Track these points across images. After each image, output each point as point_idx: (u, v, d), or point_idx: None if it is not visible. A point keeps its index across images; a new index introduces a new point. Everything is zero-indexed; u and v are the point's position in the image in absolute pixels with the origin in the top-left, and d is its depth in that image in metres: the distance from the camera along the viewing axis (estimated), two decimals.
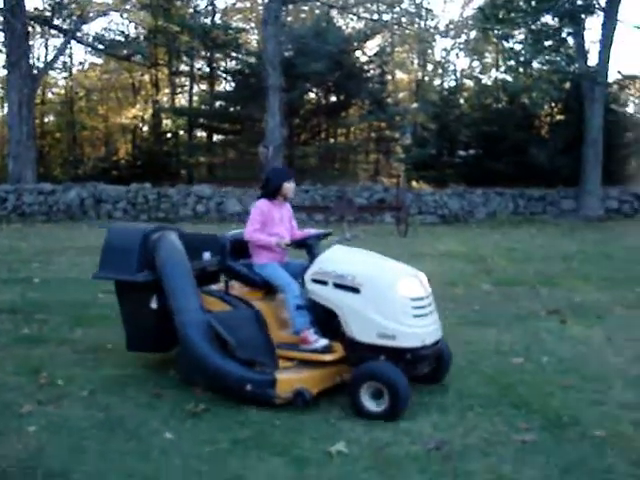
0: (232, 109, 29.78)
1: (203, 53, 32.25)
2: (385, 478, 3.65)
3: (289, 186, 5.37)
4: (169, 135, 34.04)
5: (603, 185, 20.90)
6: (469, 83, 30.18)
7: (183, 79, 36.03)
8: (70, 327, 6.90)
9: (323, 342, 4.80)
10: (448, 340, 5.19)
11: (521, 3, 21.50)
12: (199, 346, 4.70)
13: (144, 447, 4.01)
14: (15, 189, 21.15)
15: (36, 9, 28.87)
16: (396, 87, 36.98)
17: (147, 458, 3.86)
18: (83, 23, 27.81)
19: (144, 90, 36.69)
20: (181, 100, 37.35)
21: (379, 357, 4.55)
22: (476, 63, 37.57)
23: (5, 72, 24.94)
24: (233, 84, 31.03)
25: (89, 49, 32.72)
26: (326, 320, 4.87)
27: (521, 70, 21.92)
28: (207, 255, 5.72)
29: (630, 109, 32.21)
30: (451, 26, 39.77)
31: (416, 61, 41.10)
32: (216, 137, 33.74)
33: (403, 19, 36.88)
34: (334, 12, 32.08)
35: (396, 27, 35.02)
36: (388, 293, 4.59)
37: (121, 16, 33.59)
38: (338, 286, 4.71)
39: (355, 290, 4.64)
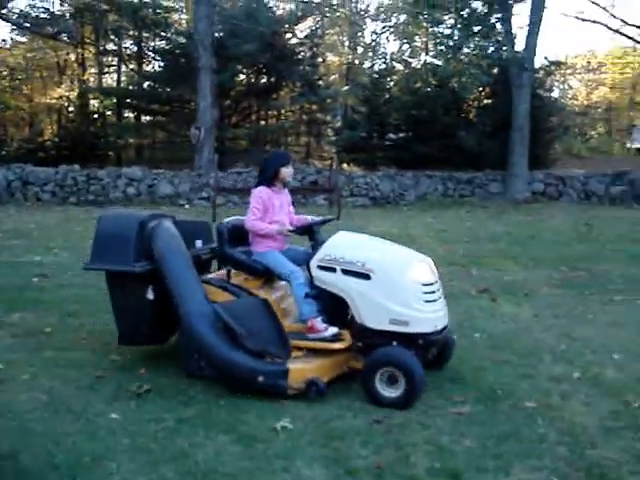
0: (161, 90, 29.31)
1: (131, 32, 31.49)
2: (330, 451, 3.77)
3: (287, 171, 5.29)
4: (96, 116, 33.14)
5: (529, 168, 21.47)
6: (399, 67, 30.38)
7: (111, 59, 35.18)
8: (5, 311, 6.80)
9: (332, 330, 4.73)
10: None
11: None
12: (207, 338, 4.54)
13: (91, 427, 4.03)
14: None
15: None
16: (327, 70, 36.98)
17: (95, 438, 3.89)
18: (8, 0, 26.80)
19: (70, 70, 35.62)
20: (109, 80, 36.53)
21: (390, 343, 4.51)
22: (406, 47, 37.89)
23: None
24: (162, 64, 30.44)
25: (13, 27, 31.57)
26: (332, 307, 4.81)
27: (451, 55, 22.16)
28: (199, 243, 5.54)
29: (555, 94, 33.17)
30: (381, 9, 40.18)
31: (347, 44, 41.33)
32: (145, 118, 33.12)
33: (334, 1, 36.92)
34: None
35: (327, 9, 35.02)
36: (400, 279, 4.56)
37: None
38: (347, 272, 4.65)
39: (365, 276, 4.59)
